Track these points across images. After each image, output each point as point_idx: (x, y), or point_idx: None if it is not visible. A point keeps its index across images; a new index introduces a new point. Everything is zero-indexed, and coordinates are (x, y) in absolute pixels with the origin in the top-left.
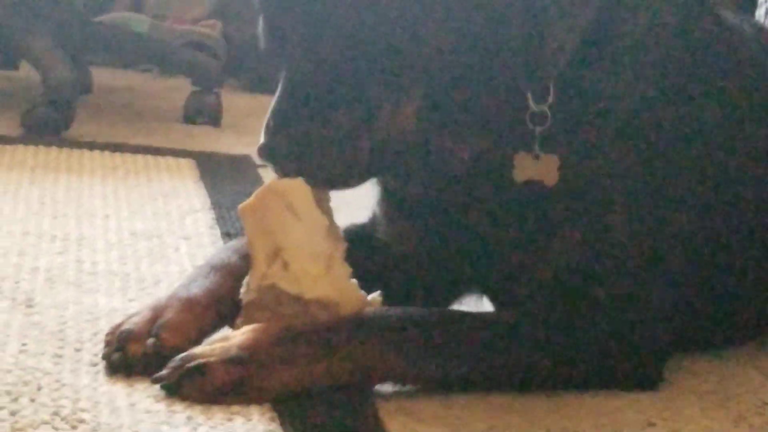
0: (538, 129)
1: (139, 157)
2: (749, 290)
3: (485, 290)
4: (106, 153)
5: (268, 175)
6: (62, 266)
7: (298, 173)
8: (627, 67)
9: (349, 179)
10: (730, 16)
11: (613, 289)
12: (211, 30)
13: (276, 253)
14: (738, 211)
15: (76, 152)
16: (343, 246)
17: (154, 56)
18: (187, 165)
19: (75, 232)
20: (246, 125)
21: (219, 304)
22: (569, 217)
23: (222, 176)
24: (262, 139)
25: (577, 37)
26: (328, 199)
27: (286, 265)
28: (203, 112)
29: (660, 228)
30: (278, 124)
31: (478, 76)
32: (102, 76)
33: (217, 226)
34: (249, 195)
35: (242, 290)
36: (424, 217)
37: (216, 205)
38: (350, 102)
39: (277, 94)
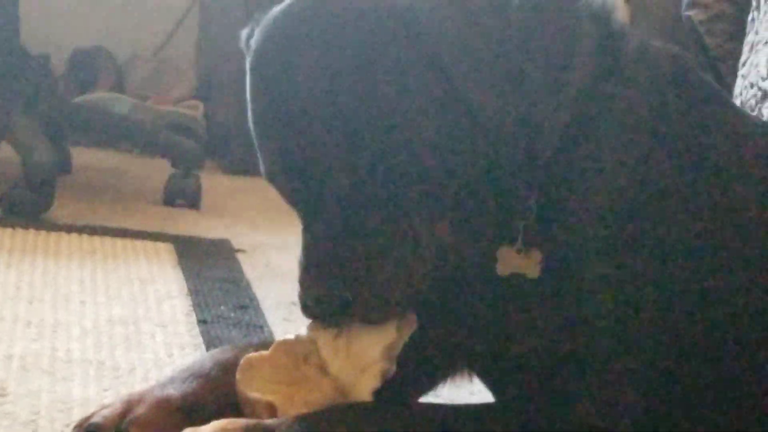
0: (522, 223)
1: (118, 241)
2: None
3: (476, 372)
4: (84, 236)
5: (245, 260)
6: (37, 354)
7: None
8: (609, 156)
9: (408, 306)
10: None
11: (590, 385)
12: (194, 111)
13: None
14: (728, 313)
15: (53, 235)
16: (389, 367)
17: (135, 138)
18: (165, 249)
19: (50, 317)
20: (226, 207)
21: (192, 410)
22: (550, 305)
23: (200, 261)
24: (306, 288)
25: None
26: (412, 325)
27: (338, 336)
28: (183, 195)
29: (640, 325)
30: (328, 267)
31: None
32: (82, 155)
33: (193, 313)
34: (226, 281)
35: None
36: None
37: (193, 292)
38: (387, 229)
39: (308, 234)
